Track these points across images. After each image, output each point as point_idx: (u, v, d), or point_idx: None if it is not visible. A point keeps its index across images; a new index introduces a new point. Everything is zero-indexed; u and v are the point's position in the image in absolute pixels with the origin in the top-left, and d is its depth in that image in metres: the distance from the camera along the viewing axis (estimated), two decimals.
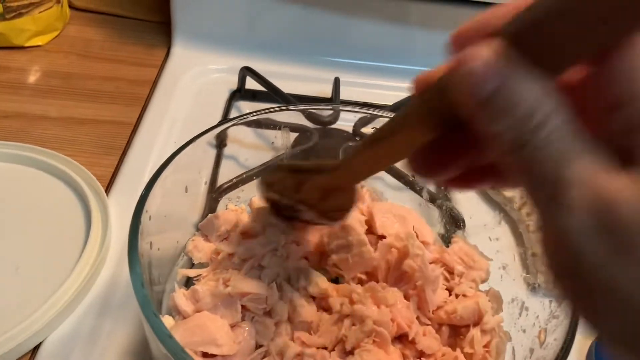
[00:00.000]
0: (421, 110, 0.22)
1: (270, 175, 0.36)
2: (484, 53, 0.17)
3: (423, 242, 0.39)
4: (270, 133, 0.52)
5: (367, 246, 0.36)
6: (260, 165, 0.49)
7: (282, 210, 0.37)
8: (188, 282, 0.38)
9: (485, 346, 0.34)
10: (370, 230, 0.40)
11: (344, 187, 0.32)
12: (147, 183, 0.33)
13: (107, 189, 0.50)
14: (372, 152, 0.27)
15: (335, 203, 0.34)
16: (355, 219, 0.38)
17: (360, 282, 0.37)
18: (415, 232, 0.40)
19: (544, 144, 0.16)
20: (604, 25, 0.15)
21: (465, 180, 0.24)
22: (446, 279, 0.38)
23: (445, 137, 0.22)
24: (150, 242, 0.33)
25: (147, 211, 0.31)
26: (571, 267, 0.16)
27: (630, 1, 0.14)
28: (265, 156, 0.51)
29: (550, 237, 0.17)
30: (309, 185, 0.33)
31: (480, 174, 0.23)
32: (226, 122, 0.41)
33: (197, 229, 0.40)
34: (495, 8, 0.19)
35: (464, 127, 0.19)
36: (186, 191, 0.39)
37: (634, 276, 0.15)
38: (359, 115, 0.50)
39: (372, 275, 0.37)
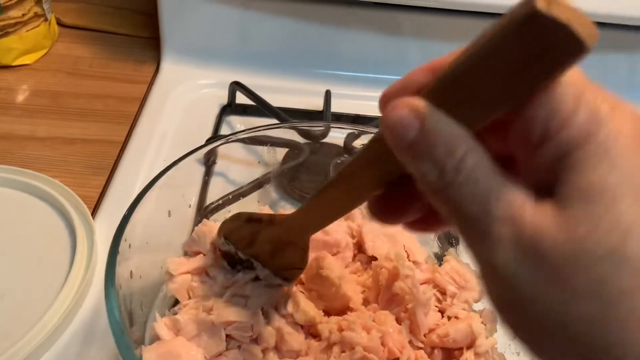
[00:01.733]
0: (368, 156, 0.24)
1: (227, 224, 0.36)
2: (407, 102, 0.19)
3: (414, 262, 0.39)
4: (260, 149, 0.51)
5: (341, 291, 0.35)
6: (250, 183, 0.48)
7: (238, 265, 0.37)
8: (174, 305, 0.37)
9: None
10: (361, 250, 0.39)
11: (295, 241, 0.32)
12: (127, 208, 0.33)
13: (94, 211, 0.49)
14: (321, 201, 0.28)
15: (287, 260, 0.34)
16: (343, 240, 0.37)
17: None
18: (406, 251, 0.39)
19: (467, 182, 0.18)
20: (513, 80, 0.17)
21: (425, 223, 0.24)
22: (438, 300, 0.37)
23: (401, 183, 0.23)
24: (131, 272, 0.32)
25: (126, 239, 0.30)
26: (508, 299, 0.18)
27: (535, 59, 0.16)
28: (255, 173, 0.50)
29: (485, 273, 0.18)
30: (262, 237, 0.34)
31: (438, 217, 0.24)
32: (213, 141, 0.41)
33: (185, 253, 0.39)
34: (415, 70, 0.21)
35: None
36: (169, 215, 0.39)
37: (560, 300, 0.16)
38: (350, 130, 0.49)
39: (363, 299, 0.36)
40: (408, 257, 0.38)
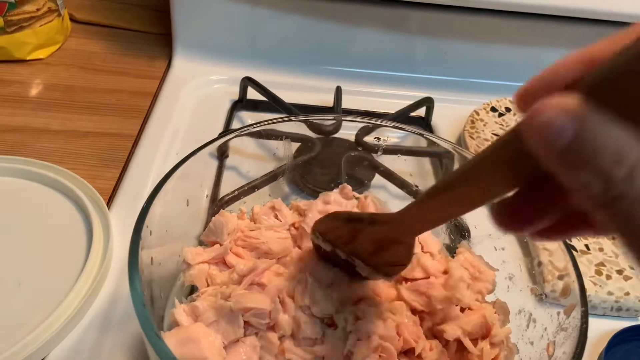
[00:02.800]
0: (496, 160, 0.21)
1: (323, 223, 0.35)
2: (559, 102, 0.16)
3: (428, 253, 0.39)
4: (272, 143, 0.52)
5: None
6: (263, 176, 0.49)
7: (334, 262, 0.36)
8: (191, 293, 0.37)
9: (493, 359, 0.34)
10: None
11: (400, 240, 0.31)
12: (147, 197, 0.33)
13: (109, 202, 0.50)
14: (437, 203, 0.26)
15: (390, 257, 0.32)
16: None
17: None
18: (420, 242, 0.39)
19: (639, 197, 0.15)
20: None
21: (559, 231, 0.21)
22: None
23: (532, 186, 0.20)
24: (152, 258, 0.32)
25: (147, 226, 0.31)
26: None
27: None
28: (268, 166, 0.51)
29: None
30: (363, 236, 0.32)
31: (577, 222, 0.21)
32: (227, 134, 0.41)
33: (200, 243, 0.40)
34: (559, 63, 0.18)
35: (549, 177, 0.18)
36: (187, 204, 0.39)
37: None
38: (361, 125, 0.50)
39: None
40: (422, 248, 0.39)
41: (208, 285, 0.36)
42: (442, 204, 0.26)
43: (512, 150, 0.20)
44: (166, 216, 0.35)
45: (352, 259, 0.34)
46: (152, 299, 0.31)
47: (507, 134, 0.20)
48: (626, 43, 0.15)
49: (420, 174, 0.55)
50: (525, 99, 0.18)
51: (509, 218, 0.21)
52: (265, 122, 0.44)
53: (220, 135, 0.41)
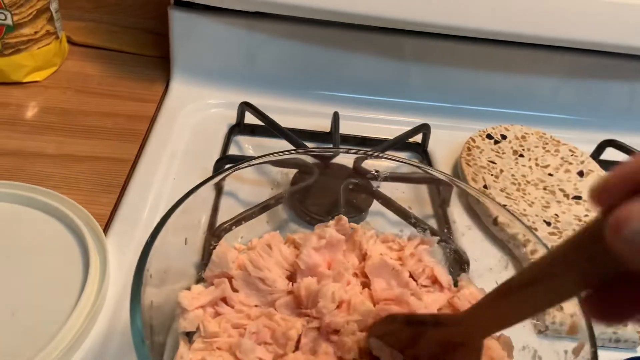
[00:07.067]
0: (573, 258, 0.21)
1: (380, 327, 0.34)
2: None
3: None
4: (270, 169, 0.52)
5: None
6: (259, 204, 0.49)
7: None
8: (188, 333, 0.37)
9: None
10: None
11: (467, 342, 0.30)
12: (146, 242, 0.32)
13: (106, 228, 0.49)
14: (508, 303, 0.25)
15: None
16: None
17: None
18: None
19: None
20: None
21: None
22: None
23: (616, 282, 0.20)
24: (152, 301, 0.31)
25: (148, 270, 0.30)
26: None
27: None
28: (264, 192, 0.50)
29: None
30: (426, 339, 0.31)
31: None
32: (229, 168, 0.41)
33: (197, 281, 0.39)
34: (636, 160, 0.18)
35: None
36: (186, 243, 0.38)
37: None
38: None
39: None
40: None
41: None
42: (515, 303, 0.25)
43: (588, 251, 0.20)
44: (166, 255, 0.34)
45: None
46: (152, 340, 0.31)
47: (581, 233, 0.20)
48: None
49: (417, 200, 0.55)
50: (603, 197, 0.19)
51: (599, 311, 0.21)
52: (267, 156, 0.44)
53: (221, 171, 0.40)
